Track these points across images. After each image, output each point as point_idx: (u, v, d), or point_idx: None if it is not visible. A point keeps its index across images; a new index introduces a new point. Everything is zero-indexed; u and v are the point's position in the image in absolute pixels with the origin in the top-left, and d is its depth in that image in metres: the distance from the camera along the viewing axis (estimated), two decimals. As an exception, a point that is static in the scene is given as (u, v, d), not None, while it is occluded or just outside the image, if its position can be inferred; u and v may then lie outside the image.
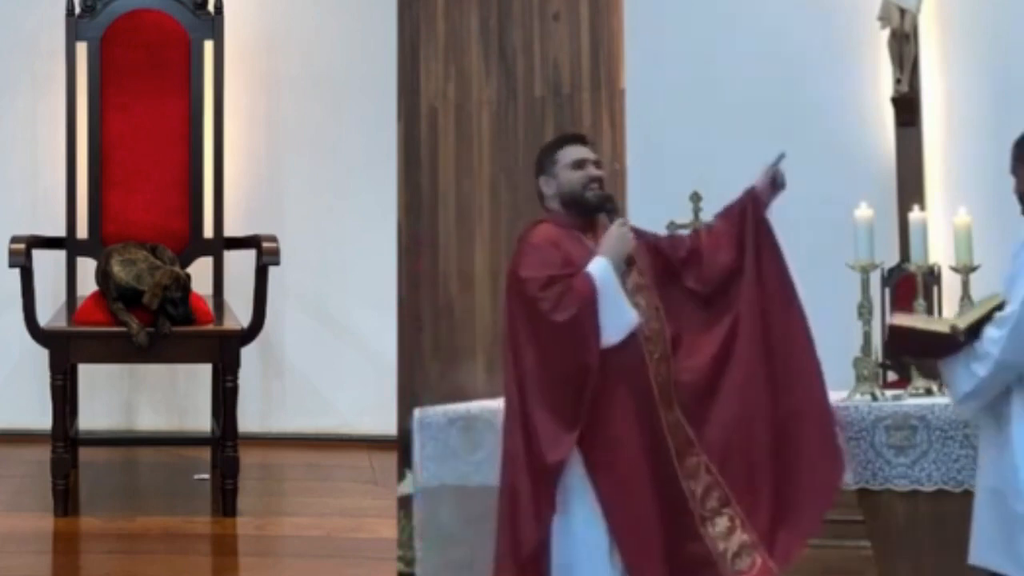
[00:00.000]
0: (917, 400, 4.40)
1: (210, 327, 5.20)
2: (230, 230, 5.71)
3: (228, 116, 5.73)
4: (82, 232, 5.63)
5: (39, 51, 6.04)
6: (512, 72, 6.72)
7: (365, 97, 6.24)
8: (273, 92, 6.23)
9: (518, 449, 4.05)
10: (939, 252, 5.01)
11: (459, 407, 5.01)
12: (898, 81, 5.67)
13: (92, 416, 5.99)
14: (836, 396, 4.49)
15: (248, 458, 5.31)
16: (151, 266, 5.23)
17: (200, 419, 5.99)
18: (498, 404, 4.38)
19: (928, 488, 4.26)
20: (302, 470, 5.90)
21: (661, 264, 4.24)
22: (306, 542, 4.99)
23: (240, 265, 5.65)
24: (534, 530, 4.00)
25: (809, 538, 4.08)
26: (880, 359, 4.67)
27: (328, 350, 6.26)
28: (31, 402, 5.75)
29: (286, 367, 6.25)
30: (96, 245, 5.56)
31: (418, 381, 6.72)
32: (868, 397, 4.49)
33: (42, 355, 5.21)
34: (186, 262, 5.51)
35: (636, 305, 4.08)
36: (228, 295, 5.62)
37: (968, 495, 3.96)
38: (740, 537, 4.01)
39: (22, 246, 5.25)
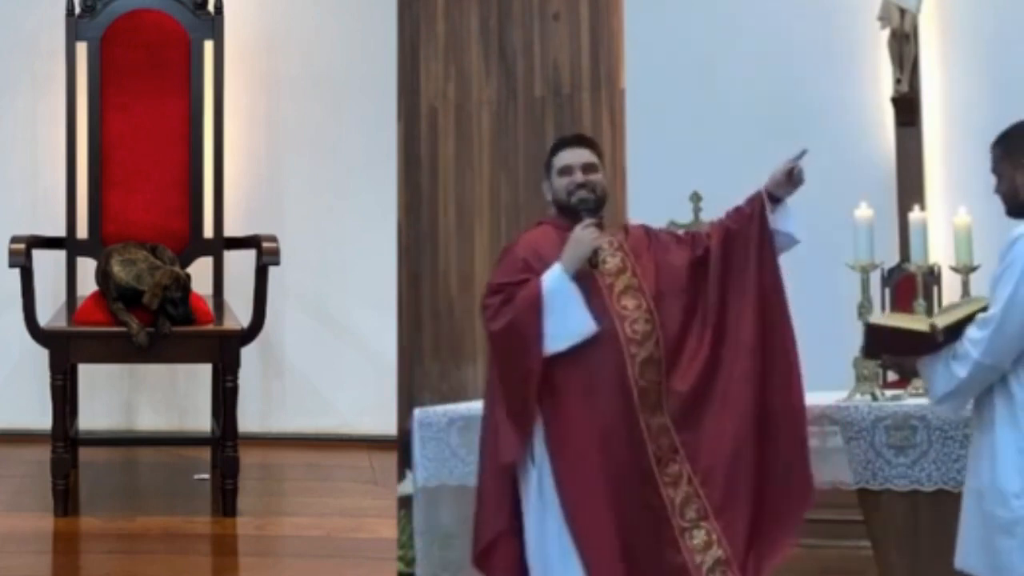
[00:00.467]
0: (917, 400, 4.39)
1: (210, 327, 5.20)
2: (230, 230, 5.71)
3: (228, 116, 5.73)
4: (82, 232, 5.63)
5: (39, 51, 6.04)
6: (512, 72, 6.73)
7: (365, 97, 6.24)
8: (273, 92, 6.23)
9: (483, 449, 4.19)
10: (939, 252, 5.01)
11: (459, 407, 5.00)
12: (898, 81, 5.67)
13: (92, 416, 5.99)
14: (836, 396, 4.49)
15: (248, 458, 5.31)
16: (151, 266, 5.23)
17: (200, 419, 5.99)
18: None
19: (928, 488, 4.25)
20: (302, 470, 5.90)
21: (684, 263, 4.21)
22: (306, 542, 4.99)
23: (240, 265, 5.65)
24: (488, 528, 4.13)
25: (779, 562, 4.09)
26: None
27: (328, 350, 6.26)
28: (31, 402, 5.75)
29: (286, 367, 6.25)
30: (96, 245, 5.56)
31: (418, 381, 6.73)
32: (868, 397, 4.48)
33: (42, 355, 5.21)
34: (186, 262, 5.51)
35: (623, 307, 4.09)
36: (228, 295, 5.62)
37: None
38: (716, 552, 4.02)
39: (22, 246, 5.25)
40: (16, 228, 5.46)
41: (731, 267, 4.16)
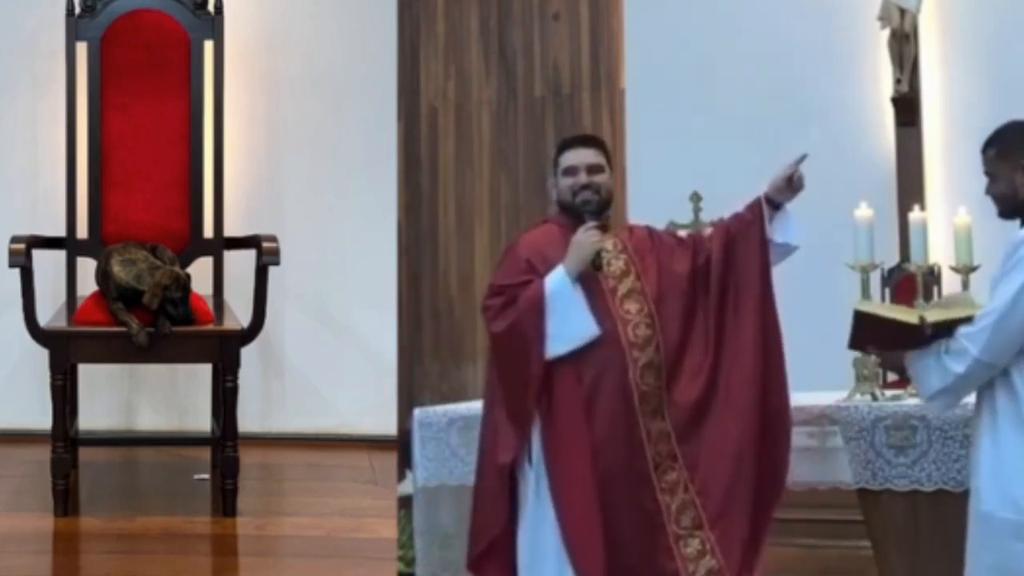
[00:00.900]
0: (917, 400, 4.38)
1: (210, 327, 5.20)
2: (230, 230, 5.71)
3: (228, 116, 5.72)
4: (82, 232, 5.63)
5: (39, 51, 6.04)
6: (512, 72, 6.73)
7: (365, 97, 6.24)
8: (273, 92, 6.23)
9: (483, 448, 4.18)
10: (939, 252, 5.01)
11: (459, 407, 5.01)
12: (898, 81, 5.67)
13: (92, 416, 5.99)
14: (836, 396, 4.49)
15: (248, 458, 5.31)
16: (151, 266, 5.23)
17: (200, 419, 5.99)
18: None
19: (928, 488, 4.25)
20: (302, 470, 5.90)
21: (685, 271, 4.20)
22: (306, 542, 4.99)
23: (240, 265, 5.65)
24: (485, 531, 4.11)
25: (767, 564, 4.09)
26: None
27: (328, 350, 6.25)
28: (31, 402, 5.75)
29: (286, 367, 6.25)
30: (96, 245, 5.56)
31: (418, 381, 6.73)
32: (868, 397, 4.48)
33: (42, 355, 5.21)
34: (186, 262, 5.51)
35: (626, 311, 4.09)
36: (228, 295, 5.62)
37: (968, 495, 3.95)
38: (709, 562, 4.01)
39: (22, 246, 5.25)
40: (16, 228, 5.46)
41: (732, 273, 4.15)
